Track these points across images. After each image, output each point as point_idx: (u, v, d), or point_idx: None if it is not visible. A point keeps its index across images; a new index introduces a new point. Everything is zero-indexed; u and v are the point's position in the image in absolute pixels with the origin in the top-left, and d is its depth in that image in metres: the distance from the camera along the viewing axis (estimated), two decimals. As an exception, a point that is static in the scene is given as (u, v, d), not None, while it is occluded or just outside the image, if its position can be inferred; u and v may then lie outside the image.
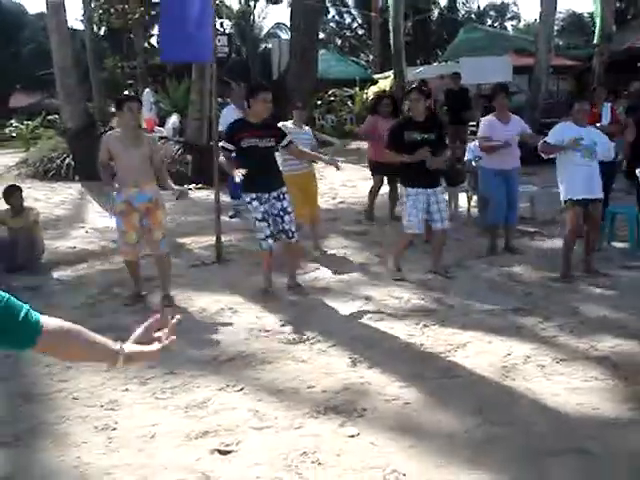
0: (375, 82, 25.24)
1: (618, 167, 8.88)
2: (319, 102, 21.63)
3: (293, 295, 6.56)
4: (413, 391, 4.40)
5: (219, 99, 10.82)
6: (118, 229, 6.37)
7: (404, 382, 4.53)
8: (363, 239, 8.87)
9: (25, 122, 24.49)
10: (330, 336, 5.43)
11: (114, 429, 3.98)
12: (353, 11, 45.01)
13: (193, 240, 8.86)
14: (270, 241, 6.40)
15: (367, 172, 10.47)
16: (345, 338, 5.39)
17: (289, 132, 6.95)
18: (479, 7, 46.85)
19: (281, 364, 4.94)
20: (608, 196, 7.92)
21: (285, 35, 35.84)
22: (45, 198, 11.92)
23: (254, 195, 6.33)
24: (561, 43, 30.15)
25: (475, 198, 9.63)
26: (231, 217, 10.12)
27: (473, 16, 43.83)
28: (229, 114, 9.64)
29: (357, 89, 23.14)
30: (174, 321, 2.13)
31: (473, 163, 8.88)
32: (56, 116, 18.74)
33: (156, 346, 2.06)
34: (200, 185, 12.63)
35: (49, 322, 1.87)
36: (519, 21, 50.33)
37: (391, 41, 23.37)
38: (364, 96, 22.93)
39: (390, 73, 24.30)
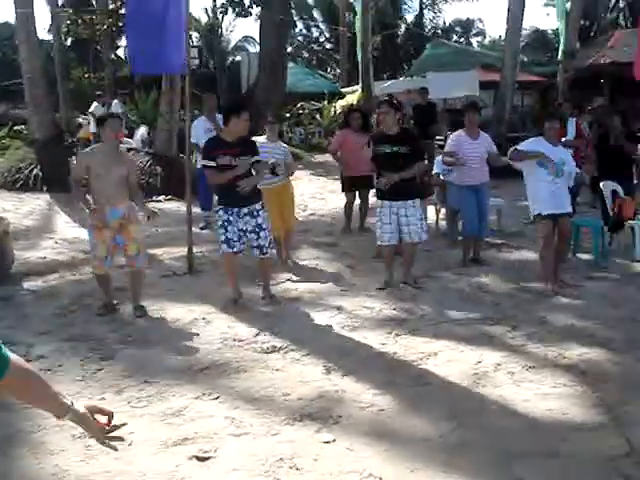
0: (343, 96, 25.38)
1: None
2: (288, 115, 21.72)
3: (265, 305, 6.61)
4: (387, 398, 4.48)
5: (195, 111, 10.84)
6: (90, 242, 6.39)
7: (378, 389, 4.60)
8: (334, 250, 8.94)
9: (-9, 133, 24.16)
10: (303, 345, 5.49)
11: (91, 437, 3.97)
12: (321, 25, 45.24)
13: (165, 251, 8.84)
14: (224, 246, 6.46)
15: (336, 185, 10.55)
16: (318, 347, 5.45)
17: (265, 148, 7.05)
18: (445, 23, 47.38)
19: (256, 373, 4.98)
20: (574, 209, 8.11)
21: (253, 48, 35.91)
22: (14, 208, 11.78)
23: (223, 206, 6.45)
24: (525, 59, 30.61)
25: (443, 211, 9.77)
26: (202, 228, 10.12)
27: (439, 32, 44.31)
28: (200, 125, 9.69)
29: (325, 103, 23.26)
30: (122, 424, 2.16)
31: (441, 176, 9.02)
32: (23, 127, 18.55)
33: (102, 433, 2.10)
34: (170, 196, 12.60)
35: (16, 361, 1.86)
36: (484, 37, 51.02)
37: (359, 56, 23.58)
38: (332, 110, 23.05)
39: (357, 87, 24.48)
